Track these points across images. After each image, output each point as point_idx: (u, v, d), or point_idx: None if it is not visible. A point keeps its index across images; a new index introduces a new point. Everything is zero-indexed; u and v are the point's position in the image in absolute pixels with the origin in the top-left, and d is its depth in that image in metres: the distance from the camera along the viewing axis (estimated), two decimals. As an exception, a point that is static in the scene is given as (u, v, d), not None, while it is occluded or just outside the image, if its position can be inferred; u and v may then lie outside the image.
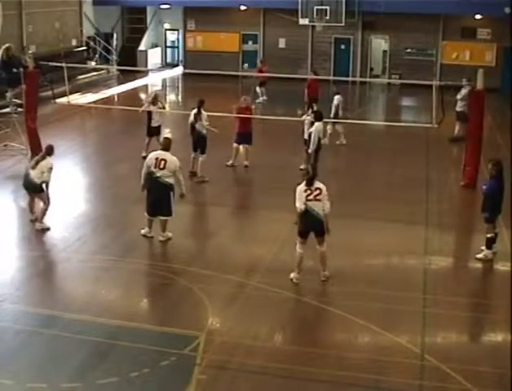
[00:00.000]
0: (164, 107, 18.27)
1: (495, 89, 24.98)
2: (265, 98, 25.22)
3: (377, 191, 15.39)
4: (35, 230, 12.52)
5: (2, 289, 10.08)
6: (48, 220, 13.16)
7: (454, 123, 19.93)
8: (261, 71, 25.56)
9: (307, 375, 8.07)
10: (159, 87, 31.73)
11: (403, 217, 13.57)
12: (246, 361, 8.37)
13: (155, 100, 17.65)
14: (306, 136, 16.24)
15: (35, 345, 8.63)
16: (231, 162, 16.87)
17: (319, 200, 10.24)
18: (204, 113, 15.87)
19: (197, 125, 15.80)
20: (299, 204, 10.23)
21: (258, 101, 21.56)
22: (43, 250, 11.91)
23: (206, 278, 10.54)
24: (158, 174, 11.60)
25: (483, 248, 11.48)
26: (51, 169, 12.40)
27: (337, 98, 19.25)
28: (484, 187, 11.78)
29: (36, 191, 12.54)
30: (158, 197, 11.72)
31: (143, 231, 12.09)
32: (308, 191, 10.23)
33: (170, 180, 11.70)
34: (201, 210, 14.00)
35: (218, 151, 17.15)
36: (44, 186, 12.42)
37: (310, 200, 10.22)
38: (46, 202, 12.54)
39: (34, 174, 12.34)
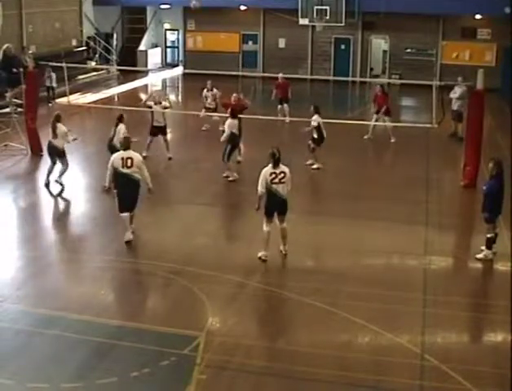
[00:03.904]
0: (167, 107, 18.39)
1: (495, 89, 24.98)
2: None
3: (377, 191, 15.39)
4: (35, 229, 12.53)
5: (2, 289, 10.09)
6: (47, 220, 13.23)
7: (452, 123, 19.97)
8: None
9: (307, 375, 8.07)
10: (159, 87, 31.74)
11: (403, 217, 13.57)
12: (246, 361, 8.37)
13: (156, 99, 17.75)
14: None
15: (35, 345, 8.63)
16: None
17: (283, 183, 11.00)
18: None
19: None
20: (260, 188, 11.01)
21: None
22: (43, 250, 11.91)
23: (206, 278, 10.54)
24: (128, 172, 11.76)
25: (483, 248, 11.48)
26: (66, 132, 14.97)
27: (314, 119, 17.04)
28: (484, 187, 11.77)
29: (60, 155, 15.11)
30: (131, 193, 11.95)
31: (126, 238, 11.91)
32: (273, 175, 10.97)
33: (139, 176, 11.92)
34: (201, 210, 13.99)
35: (216, 150, 17.19)
36: (64, 149, 15.05)
37: (275, 183, 10.95)
38: (66, 165, 15.13)
39: (57, 142, 15.01)
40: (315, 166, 16.87)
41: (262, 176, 11.09)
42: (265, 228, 11.21)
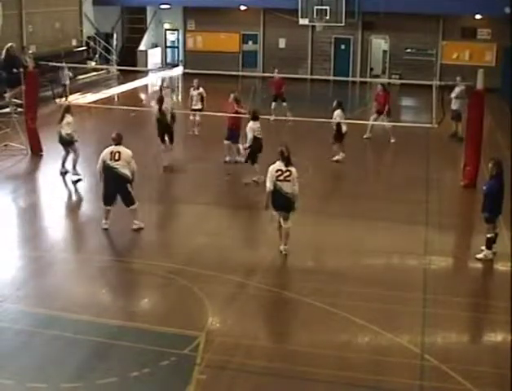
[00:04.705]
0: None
1: (495, 89, 24.98)
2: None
3: (377, 191, 15.39)
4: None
5: (3, 289, 10.09)
6: (47, 220, 13.22)
7: (452, 123, 19.98)
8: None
9: (307, 375, 8.07)
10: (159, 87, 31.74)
11: (403, 217, 13.57)
12: (246, 361, 8.37)
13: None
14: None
15: (35, 345, 8.63)
16: (228, 159, 17.01)
17: (288, 181, 11.11)
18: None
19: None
20: (269, 185, 11.11)
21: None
22: (43, 250, 11.90)
23: (206, 278, 10.54)
24: (114, 165, 12.12)
25: (483, 248, 11.48)
26: (69, 123, 15.44)
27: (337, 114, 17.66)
28: (484, 187, 11.77)
29: (68, 144, 15.63)
30: (115, 188, 12.28)
31: (102, 225, 12.42)
32: (279, 172, 11.09)
33: (126, 171, 12.17)
34: (201, 210, 13.99)
35: (216, 150, 17.22)
36: (73, 138, 15.58)
37: (280, 181, 11.07)
38: (77, 153, 15.63)
39: (63, 132, 15.52)
40: (335, 158, 17.55)
41: (269, 173, 11.21)
42: (273, 212, 11.42)
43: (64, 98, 24.67)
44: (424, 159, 18.10)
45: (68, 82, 25.63)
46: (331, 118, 17.48)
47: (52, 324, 9.11)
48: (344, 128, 17.47)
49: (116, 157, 12.14)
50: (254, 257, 11.52)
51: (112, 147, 12.29)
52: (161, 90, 19.02)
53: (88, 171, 16.71)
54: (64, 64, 22.02)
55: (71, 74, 26.02)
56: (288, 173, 11.10)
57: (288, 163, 11.14)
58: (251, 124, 15.26)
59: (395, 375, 8.10)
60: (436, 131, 17.94)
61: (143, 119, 21.62)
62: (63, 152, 15.92)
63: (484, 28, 30.19)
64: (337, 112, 17.35)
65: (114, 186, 12.28)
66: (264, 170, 11.64)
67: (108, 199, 12.36)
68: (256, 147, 15.21)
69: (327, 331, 9.25)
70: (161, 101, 16.91)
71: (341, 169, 17.21)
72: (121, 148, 12.27)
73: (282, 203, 11.21)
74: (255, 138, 15.15)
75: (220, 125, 17.51)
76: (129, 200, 12.32)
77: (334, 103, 17.56)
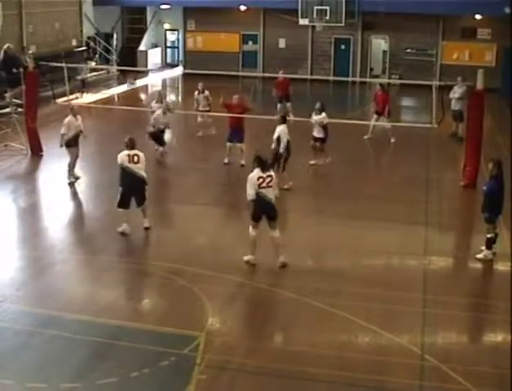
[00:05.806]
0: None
1: (495, 89, 24.97)
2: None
3: (377, 191, 15.38)
4: (37, 228, 12.53)
5: (2, 289, 10.09)
6: (47, 220, 13.20)
7: (452, 123, 19.98)
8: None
9: (307, 375, 8.07)
10: (159, 87, 31.74)
11: (403, 217, 13.57)
12: (246, 361, 8.37)
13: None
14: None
15: (35, 345, 8.63)
16: (227, 160, 16.96)
17: (270, 187, 10.88)
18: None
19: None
20: (251, 193, 10.77)
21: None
22: (43, 250, 11.91)
23: (206, 278, 10.54)
24: (134, 168, 12.21)
25: (483, 248, 11.48)
26: (64, 124, 15.10)
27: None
28: (484, 187, 11.77)
29: (66, 146, 15.29)
30: (133, 189, 12.34)
31: (120, 229, 12.28)
32: (261, 179, 10.80)
33: (144, 173, 12.34)
34: (201, 210, 13.99)
35: (216, 151, 17.20)
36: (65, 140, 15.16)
37: (263, 187, 10.79)
38: (71, 157, 15.26)
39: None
40: (320, 162, 17.07)
41: (249, 182, 10.82)
42: (251, 233, 10.96)
43: (82, 93, 25.18)
44: (424, 159, 18.10)
45: (86, 76, 25.87)
46: (317, 120, 17.05)
47: (52, 324, 9.11)
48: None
49: (135, 160, 12.22)
50: (254, 257, 11.50)
51: (128, 152, 12.31)
52: (161, 99, 19.03)
53: (87, 171, 16.73)
54: (50, 64, 22.02)
55: (91, 66, 26.24)
56: (269, 179, 10.83)
57: (265, 168, 10.91)
58: (283, 127, 14.86)
59: (395, 376, 8.10)
60: (436, 131, 17.95)
61: (143, 119, 21.62)
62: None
63: (484, 28, 30.16)
64: (324, 115, 16.82)
65: (133, 188, 12.30)
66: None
67: (125, 202, 12.28)
68: (289, 151, 14.92)
69: (327, 331, 9.25)
70: (166, 110, 17.42)
71: (341, 170, 17.18)
72: (137, 151, 12.38)
73: (268, 210, 10.87)
74: (288, 142, 14.86)
75: (223, 125, 17.50)
76: (142, 200, 12.45)
77: (318, 105, 16.92)
